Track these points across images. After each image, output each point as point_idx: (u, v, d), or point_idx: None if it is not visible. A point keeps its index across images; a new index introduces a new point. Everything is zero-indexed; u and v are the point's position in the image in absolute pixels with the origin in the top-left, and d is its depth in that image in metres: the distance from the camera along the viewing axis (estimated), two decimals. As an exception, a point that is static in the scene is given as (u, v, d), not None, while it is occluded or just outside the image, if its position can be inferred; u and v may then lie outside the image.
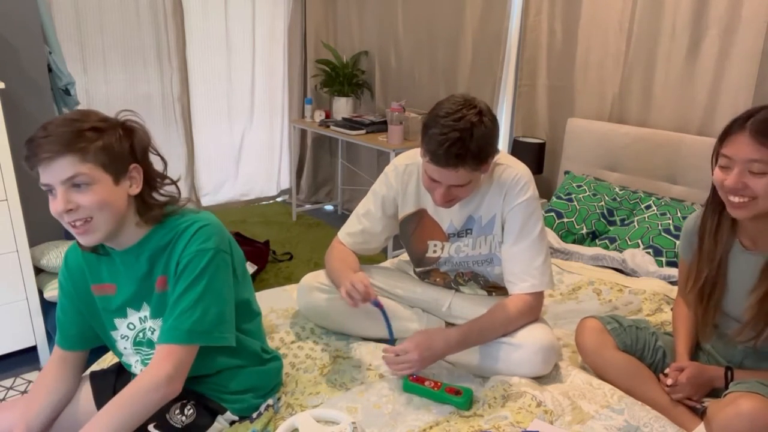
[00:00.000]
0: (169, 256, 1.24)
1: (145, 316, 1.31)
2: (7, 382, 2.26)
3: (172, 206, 1.28)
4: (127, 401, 1.15)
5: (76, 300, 1.35)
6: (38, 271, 2.42)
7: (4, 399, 2.16)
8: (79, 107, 2.85)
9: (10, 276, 2.25)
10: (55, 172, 1.10)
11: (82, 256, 1.32)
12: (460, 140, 1.43)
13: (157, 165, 1.27)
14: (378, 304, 1.59)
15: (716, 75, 2.47)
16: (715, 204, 1.44)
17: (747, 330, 1.41)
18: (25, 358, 2.40)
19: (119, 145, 1.16)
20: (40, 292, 2.35)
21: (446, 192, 1.53)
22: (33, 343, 2.36)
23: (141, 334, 1.33)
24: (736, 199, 1.32)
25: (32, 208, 2.55)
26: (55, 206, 1.13)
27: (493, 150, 1.52)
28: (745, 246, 1.43)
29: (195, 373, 1.33)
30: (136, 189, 1.21)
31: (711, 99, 2.50)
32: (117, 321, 1.33)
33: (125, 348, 1.35)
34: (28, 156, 1.11)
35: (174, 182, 1.30)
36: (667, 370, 1.51)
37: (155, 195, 1.25)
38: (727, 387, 1.41)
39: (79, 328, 1.36)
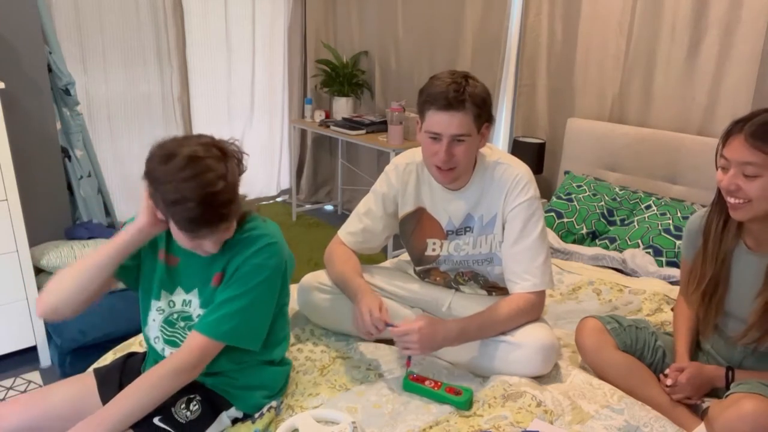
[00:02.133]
0: (231, 257, 1.33)
1: (190, 301, 1.37)
2: (7, 382, 2.26)
3: (246, 208, 1.38)
4: (150, 380, 1.25)
5: (147, 249, 1.40)
6: (38, 271, 2.42)
7: (4, 399, 2.16)
8: (79, 107, 2.86)
9: (10, 276, 2.25)
10: (211, 234, 1.25)
11: None
12: (459, 84, 1.52)
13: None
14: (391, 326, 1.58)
15: (716, 75, 2.47)
16: (721, 204, 1.45)
17: (752, 332, 1.41)
18: (25, 358, 2.40)
19: (238, 191, 1.28)
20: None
21: (448, 149, 1.54)
22: (33, 343, 2.36)
23: (176, 315, 1.38)
24: (732, 200, 1.34)
25: (32, 208, 2.56)
26: (191, 246, 1.28)
27: (488, 112, 1.58)
28: (749, 247, 1.43)
29: (216, 369, 1.37)
30: None
31: (711, 99, 2.50)
32: (163, 293, 1.39)
33: (153, 320, 1.41)
34: (190, 228, 1.21)
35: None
36: (667, 371, 1.51)
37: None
38: (728, 387, 1.42)
39: (133, 264, 1.40)
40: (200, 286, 1.37)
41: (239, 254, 1.32)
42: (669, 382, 1.48)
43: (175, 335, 1.39)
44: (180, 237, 1.26)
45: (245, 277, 1.31)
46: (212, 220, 1.21)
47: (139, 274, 1.42)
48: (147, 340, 1.44)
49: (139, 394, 1.24)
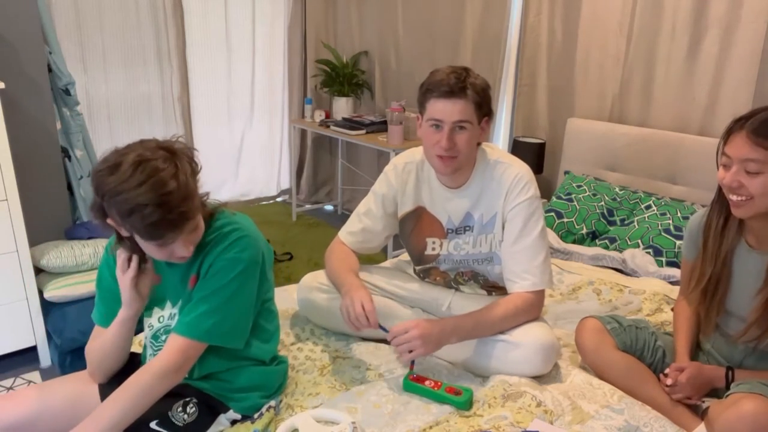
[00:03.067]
0: (204, 257, 1.31)
1: (174, 314, 1.36)
2: (7, 382, 2.26)
3: (212, 206, 1.35)
4: (137, 386, 1.23)
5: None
6: (38, 271, 2.42)
7: (4, 399, 2.16)
8: (79, 107, 2.85)
9: (10, 276, 2.25)
10: (177, 237, 1.21)
11: None
12: (460, 74, 1.55)
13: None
14: (383, 329, 1.58)
15: (716, 75, 2.47)
16: (722, 203, 1.45)
17: (752, 330, 1.41)
18: (25, 358, 2.40)
19: (193, 187, 1.22)
20: (40, 292, 2.35)
21: (450, 136, 1.55)
22: (33, 343, 2.36)
23: (162, 329, 1.38)
24: (734, 198, 1.34)
25: (32, 208, 2.55)
26: (162, 255, 1.23)
27: (488, 105, 1.60)
28: (750, 245, 1.43)
29: (207, 371, 1.37)
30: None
31: (711, 99, 2.50)
32: (155, 309, 1.39)
33: (146, 337, 1.41)
34: (154, 235, 1.17)
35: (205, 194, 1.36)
36: (667, 370, 1.51)
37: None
38: (728, 387, 1.42)
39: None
40: (182, 295, 1.35)
41: (213, 251, 1.29)
42: (669, 381, 1.48)
43: (160, 348, 1.38)
44: (149, 248, 1.23)
45: (219, 273, 1.28)
46: (174, 220, 1.16)
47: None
48: (143, 359, 1.44)
49: (125, 401, 1.22)
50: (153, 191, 1.13)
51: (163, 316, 1.38)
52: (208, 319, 1.28)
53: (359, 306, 1.54)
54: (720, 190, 1.43)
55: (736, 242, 1.46)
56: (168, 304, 1.38)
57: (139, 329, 1.45)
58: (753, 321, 1.41)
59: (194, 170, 1.25)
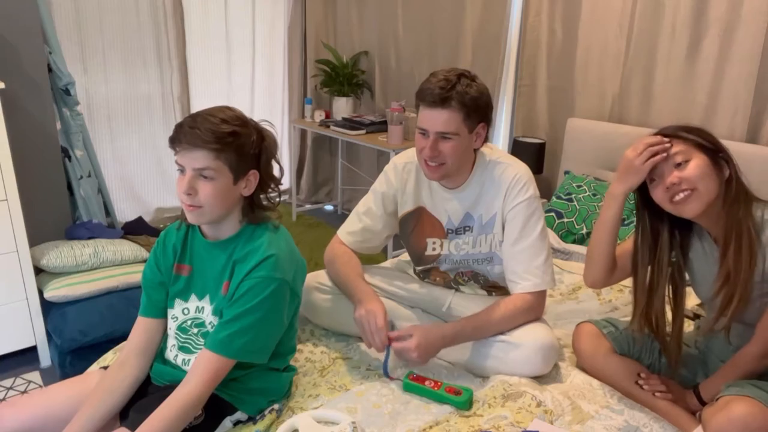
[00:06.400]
0: (239, 266, 1.33)
1: (203, 308, 1.38)
2: (7, 382, 2.26)
3: (268, 213, 1.40)
4: (180, 411, 1.24)
5: (164, 273, 1.43)
6: (38, 271, 2.42)
7: (4, 399, 2.16)
8: (79, 107, 2.86)
9: (10, 276, 2.25)
10: (191, 159, 1.26)
11: (176, 236, 1.43)
12: (449, 81, 1.53)
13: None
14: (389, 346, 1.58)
15: (716, 75, 2.47)
16: (646, 246, 1.47)
17: (722, 318, 1.39)
18: (25, 358, 2.40)
19: (249, 151, 1.30)
20: (40, 292, 2.35)
21: (434, 145, 1.55)
22: (33, 343, 2.36)
23: (190, 322, 1.40)
24: (680, 196, 1.33)
25: (32, 208, 2.56)
26: (180, 185, 1.29)
27: (482, 113, 1.57)
28: (714, 239, 1.43)
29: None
30: (247, 191, 1.34)
31: (711, 99, 2.50)
32: (177, 301, 1.41)
33: (170, 328, 1.43)
34: (172, 137, 1.28)
35: (280, 193, 1.43)
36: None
37: (262, 198, 1.39)
38: (700, 402, 1.43)
39: (164, 296, 1.45)
40: (212, 293, 1.38)
41: (245, 264, 1.31)
42: (641, 382, 1.52)
43: (188, 341, 1.40)
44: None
45: (253, 291, 1.30)
46: (192, 131, 1.24)
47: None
48: (164, 349, 1.45)
49: (164, 427, 1.22)
50: (205, 110, 1.28)
51: (188, 308, 1.40)
52: (240, 338, 1.30)
53: (369, 321, 1.55)
54: (642, 233, 1.49)
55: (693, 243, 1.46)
56: (193, 297, 1.40)
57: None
58: (718, 307, 1.38)
59: (266, 140, 1.33)
